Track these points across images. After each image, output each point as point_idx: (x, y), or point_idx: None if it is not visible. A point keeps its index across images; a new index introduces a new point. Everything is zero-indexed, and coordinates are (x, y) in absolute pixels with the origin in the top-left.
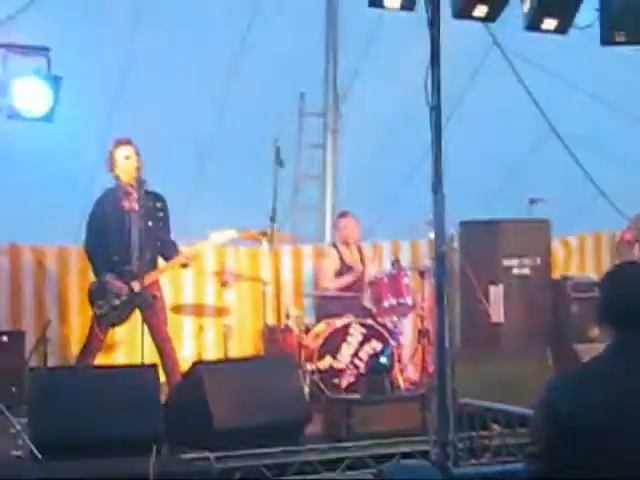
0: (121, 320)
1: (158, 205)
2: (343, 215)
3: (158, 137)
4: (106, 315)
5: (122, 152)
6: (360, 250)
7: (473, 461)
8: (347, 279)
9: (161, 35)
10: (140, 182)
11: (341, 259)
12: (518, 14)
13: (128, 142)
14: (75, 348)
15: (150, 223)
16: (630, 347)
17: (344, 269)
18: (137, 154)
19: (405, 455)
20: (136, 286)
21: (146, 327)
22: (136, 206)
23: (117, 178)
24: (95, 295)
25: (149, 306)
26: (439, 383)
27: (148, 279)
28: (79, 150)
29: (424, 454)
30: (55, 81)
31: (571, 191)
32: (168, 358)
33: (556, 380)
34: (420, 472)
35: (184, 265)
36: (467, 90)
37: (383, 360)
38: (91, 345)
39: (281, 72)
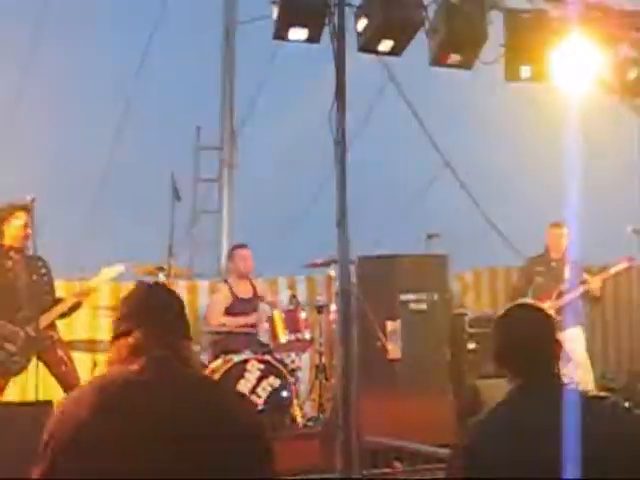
0: (22, 369)
1: (40, 264)
2: (240, 246)
3: (52, 169)
4: (3, 363)
5: (19, 220)
6: (252, 284)
7: None
8: (245, 320)
9: (56, 64)
10: (23, 248)
11: (233, 293)
12: (414, 48)
13: (27, 209)
14: None
15: (34, 277)
16: (530, 391)
17: (237, 303)
18: (31, 224)
19: None
20: (31, 331)
21: (50, 371)
22: (19, 261)
23: (1, 237)
24: None
25: (47, 348)
26: (344, 420)
27: (43, 321)
28: None
29: None
30: None
31: (467, 226)
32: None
33: (474, 427)
34: None
35: (75, 307)
36: (363, 123)
37: (284, 394)
38: None
39: (177, 105)
